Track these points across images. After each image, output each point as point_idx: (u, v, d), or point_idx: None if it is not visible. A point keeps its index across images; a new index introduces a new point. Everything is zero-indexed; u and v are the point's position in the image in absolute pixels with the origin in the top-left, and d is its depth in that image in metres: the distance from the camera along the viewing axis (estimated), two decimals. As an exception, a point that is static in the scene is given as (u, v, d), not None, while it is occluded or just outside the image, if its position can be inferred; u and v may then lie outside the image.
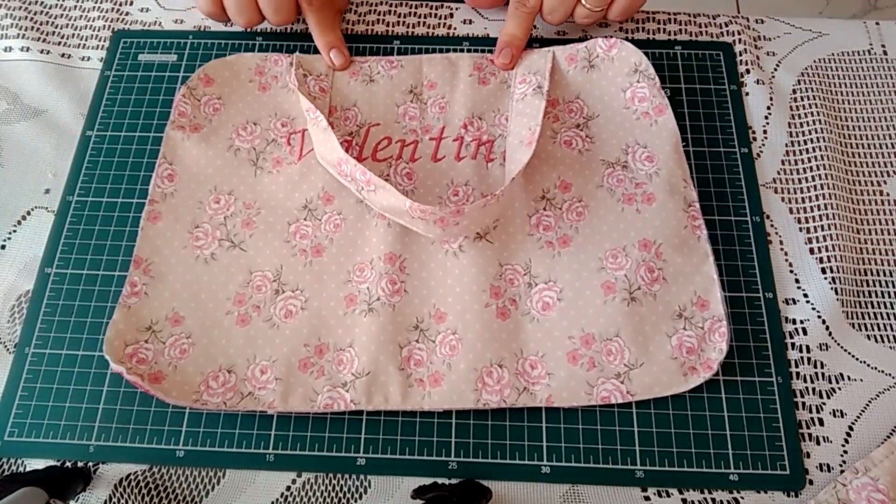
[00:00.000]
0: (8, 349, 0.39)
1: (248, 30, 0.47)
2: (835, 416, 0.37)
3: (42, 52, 0.48)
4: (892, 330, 0.39)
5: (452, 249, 0.40)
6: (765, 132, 0.44)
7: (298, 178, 0.42)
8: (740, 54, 0.47)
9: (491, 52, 0.47)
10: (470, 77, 0.45)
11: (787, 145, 0.44)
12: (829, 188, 0.42)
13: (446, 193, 0.41)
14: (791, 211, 0.42)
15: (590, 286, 0.39)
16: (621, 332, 0.37)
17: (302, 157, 0.43)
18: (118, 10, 0.50)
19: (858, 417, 0.37)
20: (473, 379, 0.36)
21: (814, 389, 0.38)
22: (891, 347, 0.39)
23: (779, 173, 0.43)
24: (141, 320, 0.38)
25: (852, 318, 0.39)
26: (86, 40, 0.48)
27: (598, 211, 0.41)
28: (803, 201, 0.42)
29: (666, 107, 0.43)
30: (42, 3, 0.50)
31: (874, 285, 0.40)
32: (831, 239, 0.41)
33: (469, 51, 0.47)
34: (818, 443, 0.37)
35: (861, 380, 0.38)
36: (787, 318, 0.39)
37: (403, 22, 0.49)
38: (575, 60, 0.45)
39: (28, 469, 0.36)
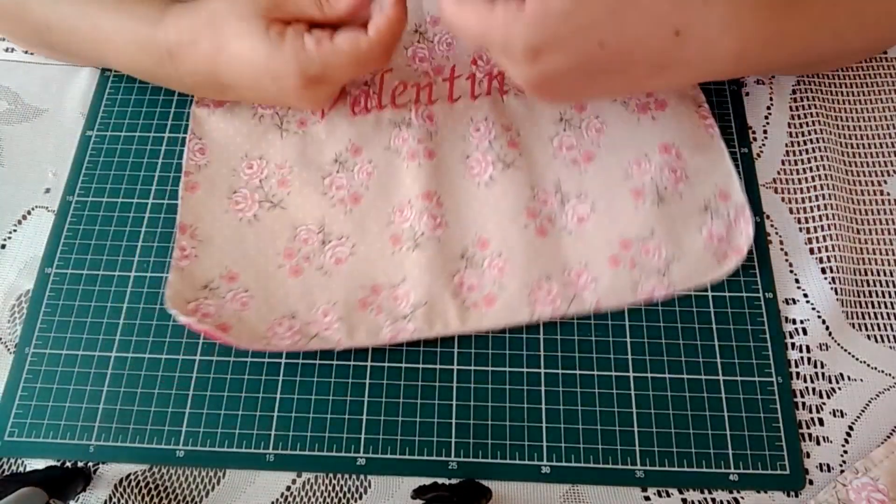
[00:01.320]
0: (8, 349, 0.39)
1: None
2: (835, 416, 0.37)
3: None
4: (892, 330, 0.39)
5: (483, 180, 0.41)
6: (765, 132, 0.44)
7: (325, 136, 0.43)
8: (740, 54, 0.47)
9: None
10: None
11: (787, 145, 0.44)
12: (829, 188, 0.42)
13: (468, 132, 0.43)
14: (791, 211, 0.42)
15: (619, 194, 0.41)
16: (655, 232, 0.39)
17: (325, 114, 0.44)
18: (118, 10, 0.50)
19: (858, 417, 0.37)
20: (525, 294, 0.38)
21: (814, 389, 0.38)
22: (891, 347, 0.39)
23: (779, 173, 0.43)
24: (196, 280, 0.39)
25: (852, 318, 0.39)
26: (86, 40, 0.48)
27: (616, 124, 0.43)
28: (803, 201, 0.42)
29: None
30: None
31: (874, 285, 0.40)
32: (831, 239, 0.41)
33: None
34: (818, 443, 0.37)
35: (861, 380, 0.38)
36: (787, 318, 0.39)
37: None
38: None
39: (28, 469, 0.36)
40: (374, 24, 0.36)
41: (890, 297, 0.40)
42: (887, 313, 0.39)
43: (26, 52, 0.48)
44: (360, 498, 0.36)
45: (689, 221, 0.40)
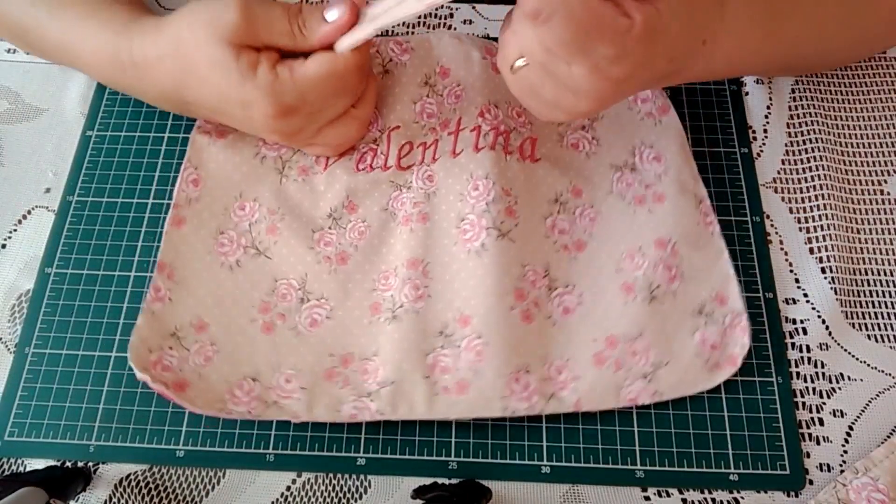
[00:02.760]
0: (8, 349, 0.39)
1: None
2: (835, 416, 0.37)
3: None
4: (892, 330, 0.39)
5: (475, 248, 0.39)
6: (765, 132, 0.44)
7: (324, 188, 0.42)
8: (740, 54, 0.47)
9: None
10: (483, 60, 0.44)
11: (786, 145, 0.44)
12: (828, 188, 0.42)
13: (467, 190, 0.41)
14: (791, 211, 0.42)
15: (609, 289, 0.39)
16: (645, 332, 0.37)
17: (328, 166, 0.42)
18: (118, 10, 0.50)
19: (858, 417, 0.37)
20: (501, 385, 0.36)
21: (814, 389, 0.38)
22: (891, 347, 0.39)
23: (779, 173, 0.43)
24: (165, 326, 0.38)
25: (852, 318, 0.39)
26: (86, 40, 0.48)
27: (611, 216, 0.41)
28: (803, 201, 0.42)
29: (669, 107, 0.43)
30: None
31: (874, 285, 0.40)
32: (831, 239, 0.41)
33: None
34: (818, 443, 0.37)
35: (861, 380, 0.38)
36: (787, 318, 0.39)
37: (403, 22, 0.49)
38: None
39: (28, 469, 0.36)
40: (341, 43, 0.36)
41: (890, 296, 0.40)
42: (887, 313, 0.39)
43: (28, 53, 0.48)
44: (360, 498, 0.36)
45: (682, 324, 0.37)
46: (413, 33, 0.48)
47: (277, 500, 0.36)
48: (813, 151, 0.43)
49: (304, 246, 0.40)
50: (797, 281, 0.40)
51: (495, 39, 0.47)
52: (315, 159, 0.43)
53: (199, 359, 0.37)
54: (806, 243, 0.41)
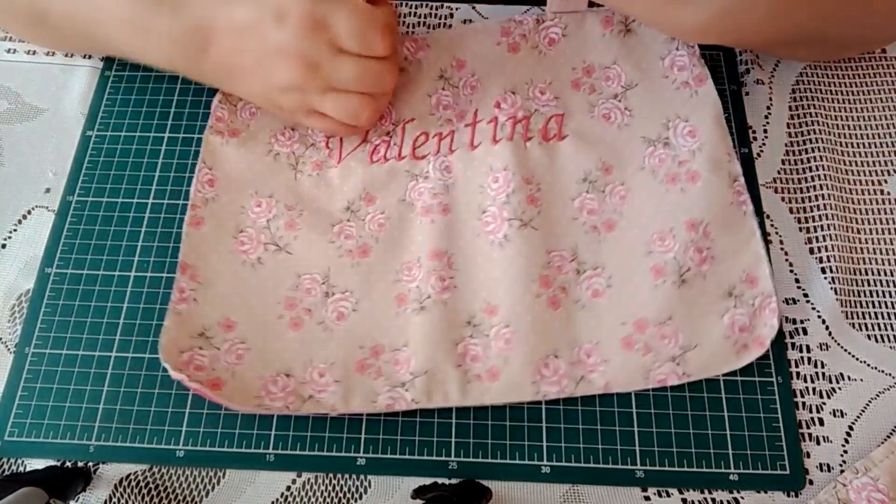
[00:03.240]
0: (8, 349, 0.39)
1: None
2: (835, 416, 0.37)
3: (48, 53, 0.48)
4: (892, 330, 0.39)
5: (498, 239, 0.39)
6: (765, 132, 0.44)
7: (339, 181, 0.42)
8: (740, 54, 0.47)
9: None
10: (498, 46, 0.44)
11: (787, 145, 0.44)
12: (829, 188, 0.42)
13: (486, 182, 0.41)
14: (791, 211, 0.42)
15: (639, 271, 0.38)
16: (674, 315, 0.37)
17: (342, 159, 0.42)
18: (118, 10, 0.50)
19: (858, 417, 0.37)
20: (531, 371, 0.36)
21: (814, 389, 0.38)
22: (891, 347, 0.39)
23: (779, 173, 0.43)
24: (193, 326, 0.37)
25: (852, 318, 0.39)
26: (86, 40, 0.48)
27: (642, 194, 0.40)
28: (803, 201, 0.42)
29: (706, 77, 0.42)
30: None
31: (874, 285, 0.40)
32: (831, 239, 0.41)
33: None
34: (818, 443, 0.37)
35: (861, 380, 0.38)
36: (787, 318, 0.39)
37: (404, 22, 0.49)
38: (611, 24, 0.44)
39: (28, 469, 0.36)
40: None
41: (890, 296, 0.40)
42: (887, 313, 0.39)
43: (28, 53, 0.48)
44: (360, 498, 0.36)
45: (711, 307, 0.37)
46: (414, 33, 0.48)
47: (277, 500, 0.36)
48: (813, 151, 0.43)
49: (325, 240, 0.40)
50: (797, 281, 0.40)
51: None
52: (328, 153, 0.43)
53: (231, 357, 0.37)
54: (806, 243, 0.41)
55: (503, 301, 0.38)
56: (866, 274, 0.40)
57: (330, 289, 0.39)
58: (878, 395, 0.37)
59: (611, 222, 0.40)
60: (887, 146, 0.44)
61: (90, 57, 0.48)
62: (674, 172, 0.40)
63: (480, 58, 0.44)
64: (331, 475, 0.36)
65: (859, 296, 0.40)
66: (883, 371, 0.38)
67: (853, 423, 0.37)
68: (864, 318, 0.39)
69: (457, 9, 0.49)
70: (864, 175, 0.43)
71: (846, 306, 0.39)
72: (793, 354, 0.38)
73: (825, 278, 0.40)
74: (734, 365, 0.37)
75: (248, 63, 0.39)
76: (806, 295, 0.40)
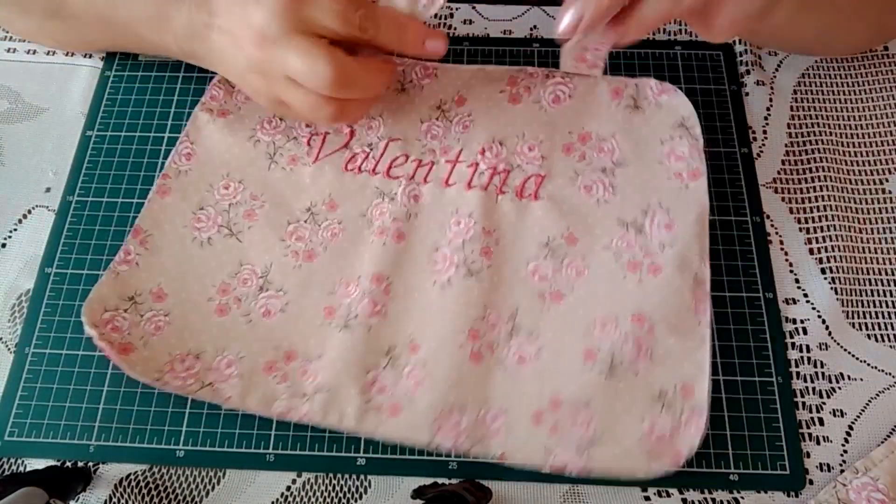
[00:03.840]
0: (8, 349, 0.39)
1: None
2: (835, 415, 0.37)
3: (48, 53, 0.48)
4: (892, 329, 0.39)
5: (441, 281, 0.39)
6: (765, 132, 0.44)
7: (309, 181, 0.42)
8: (740, 55, 0.47)
9: (494, 52, 0.47)
10: (501, 93, 0.44)
11: (787, 145, 0.44)
12: (829, 188, 0.42)
13: (448, 221, 0.41)
14: (791, 211, 0.42)
15: (571, 350, 0.37)
16: (592, 403, 0.35)
17: (318, 159, 0.43)
18: (118, 10, 0.50)
19: (858, 417, 0.37)
20: (431, 418, 0.35)
21: (814, 389, 0.38)
22: (891, 347, 0.39)
23: (779, 173, 0.43)
24: (125, 289, 0.38)
25: (852, 318, 0.39)
26: (86, 40, 0.48)
27: (598, 273, 0.39)
28: (803, 201, 0.42)
29: (702, 173, 0.40)
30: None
31: (875, 284, 0.40)
32: (831, 239, 0.41)
33: (468, 51, 0.47)
34: (818, 443, 0.37)
35: (861, 379, 0.38)
36: (787, 318, 0.39)
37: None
38: (620, 96, 0.43)
39: (28, 469, 0.36)
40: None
41: (890, 296, 0.40)
42: (887, 312, 0.39)
43: (28, 52, 0.48)
44: (360, 498, 0.36)
45: (634, 406, 0.35)
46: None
47: (277, 500, 0.36)
48: (813, 152, 0.43)
49: (276, 236, 0.41)
50: (797, 281, 0.40)
51: (495, 40, 0.47)
52: (307, 150, 0.43)
53: (150, 326, 0.38)
54: (806, 243, 0.41)
55: (427, 341, 0.37)
56: (866, 274, 0.40)
57: (266, 284, 0.39)
58: (877, 395, 0.37)
59: (559, 294, 0.39)
60: (888, 146, 0.44)
61: (90, 56, 0.48)
62: (637, 260, 0.39)
63: (481, 100, 0.44)
64: (331, 475, 0.36)
65: (860, 296, 0.40)
66: (883, 371, 0.38)
67: (853, 423, 0.37)
68: (864, 317, 0.39)
69: (457, 8, 0.50)
70: (865, 175, 0.43)
71: (846, 306, 0.39)
72: (793, 354, 0.38)
73: (825, 278, 0.40)
74: (642, 472, 0.34)
75: (227, 41, 0.38)
76: (806, 295, 0.40)
